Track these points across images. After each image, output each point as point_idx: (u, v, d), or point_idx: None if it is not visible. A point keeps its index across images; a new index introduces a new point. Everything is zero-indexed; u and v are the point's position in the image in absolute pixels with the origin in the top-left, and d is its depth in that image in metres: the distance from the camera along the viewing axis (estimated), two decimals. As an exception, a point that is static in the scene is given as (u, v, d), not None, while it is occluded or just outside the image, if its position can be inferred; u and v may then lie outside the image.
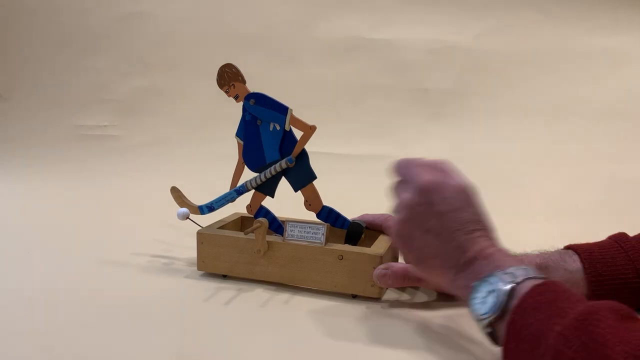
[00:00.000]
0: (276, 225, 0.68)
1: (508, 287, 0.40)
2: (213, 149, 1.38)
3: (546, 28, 1.46)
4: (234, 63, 0.65)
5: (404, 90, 1.53)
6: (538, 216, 1.05)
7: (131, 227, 0.96)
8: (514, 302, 0.39)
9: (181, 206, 0.71)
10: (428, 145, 1.44)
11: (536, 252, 0.61)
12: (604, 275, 0.56)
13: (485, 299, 0.41)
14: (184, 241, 0.79)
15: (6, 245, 0.84)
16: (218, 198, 0.69)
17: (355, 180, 1.22)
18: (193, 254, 0.68)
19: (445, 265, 0.47)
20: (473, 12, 1.51)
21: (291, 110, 0.62)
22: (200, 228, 0.68)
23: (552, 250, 0.61)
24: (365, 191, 1.22)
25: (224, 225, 0.70)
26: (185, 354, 0.49)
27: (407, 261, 0.53)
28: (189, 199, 0.72)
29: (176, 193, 0.72)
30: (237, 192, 0.68)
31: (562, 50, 1.45)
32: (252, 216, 0.69)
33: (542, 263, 0.59)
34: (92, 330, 0.53)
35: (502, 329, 0.40)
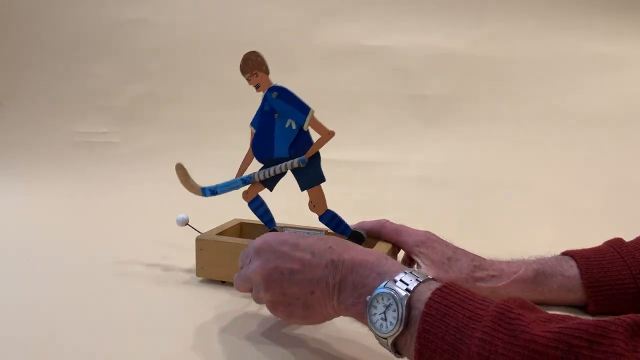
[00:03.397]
0: (268, 219, 0.68)
1: (405, 295, 0.38)
2: (212, 155, 1.38)
3: (543, 35, 1.47)
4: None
5: (402, 96, 1.54)
6: (536, 221, 1.05)
7: (130, 233, 0.96)
8: (419, 310, 0.37)
9: (183, 184, 0.70)
10: (425, 152, 1.45)
11: (533, 258, 0.61)
12: (601, 280, 0.57)
13: (384, 315, 0.39)
14: (183, 247, 0.79)
15: (5, 252, 0.84)
16: (223, 183, 0.68)
17: (353, 187, 1.23)
18: (192, 260, 0.68)
19: (325, 292, 0.44)
20: (470, 19, 1.52)
21: (313, 111, 0.61)
22: (199, 234, 0.68)
23: (549, 256, 0.62)
24: (363, 197, 1.23)
25: (222, 232, 0.71)
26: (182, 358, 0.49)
27: (291, 321, 0.50)
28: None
29: (181, 170, 0.70)
30: (242, 181, 0.67)
31: (559, 57, 1.46)
32: (247, 202, 0.68)
33: (539, 268, 0.59)
34: (90, 337, 0.53)
35: (407, 340, 0.38)
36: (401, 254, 0.67)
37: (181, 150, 1.62)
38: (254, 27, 1.66)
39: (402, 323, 0.37)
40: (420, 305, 0.37)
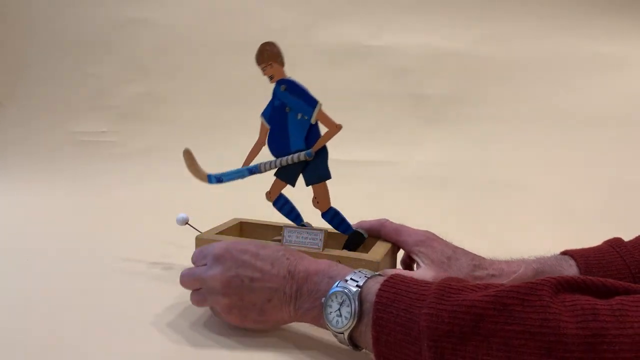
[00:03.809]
0: (294, 216, 0.67)
1: (355, 291, 0.42)
2: (212, 155, 1.38)
3: (543, 34, 1.48)
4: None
5: (402, 96, 1.54)
6: (536, 221, 1.05)
7: (130, 232, 0.96)
8: (370, 302, 0.41)
9: (190, 170, 0.69)
10: (425, 151, 1.45)
11: (533, 257, 0.61)
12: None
13: (339, 311, 0.43)
14: (182, 246, 0.79)
15: (4, 252, 0.84)
16: (229, 172, 0.68)
17: (352, 186, 1.23)
18: (191, 259, 0.68)
19: (283, 300, 0.48)
20: (470, 19, 1.52)
21: (320, 104, 0.61)
22: (199, 233, 0.68)
23: (549, 255, 0.62)
24: (363, 197, 1.23)
25: (222, 231, 0.71)
26: (183, 358, 0.49)
27: (243, 324, 0.51)
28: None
29: (188, 156, 0.70)
30: (249, 170, 0.67)
31: (559, 56, 1.46)
32: (271, 203, 0.68)
33: (539, 268, 0.59)
34: (89, 336, 0.53)
35: (362, 332, 0.42)
36: (401, 254, 0.67)
37: (180, 150, 1.61)
38: (253, 26, 1.66)
39: (356, 315, 0.41)
40: (371, 298, 0.42)
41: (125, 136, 1.74)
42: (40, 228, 1.01)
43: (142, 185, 1.42)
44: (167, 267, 0.75)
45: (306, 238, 0.63)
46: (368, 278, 0.44)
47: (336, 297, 0.43)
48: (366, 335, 0.41)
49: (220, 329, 0.55)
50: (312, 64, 1.58)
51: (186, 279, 0.54)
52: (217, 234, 0.69)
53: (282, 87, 0.62)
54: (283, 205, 0.67)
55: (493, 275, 0.59)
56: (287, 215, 0.68)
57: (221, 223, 0.74)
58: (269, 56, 0.62)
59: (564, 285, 0.35)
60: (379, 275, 0.44)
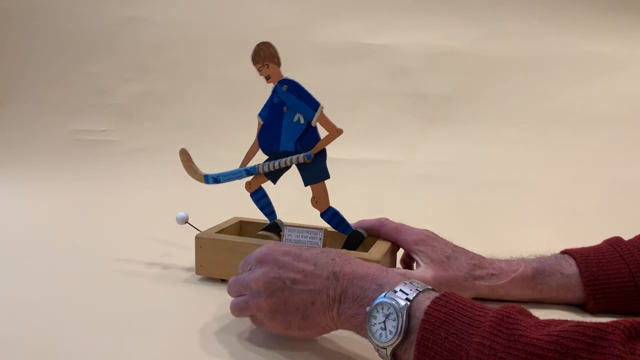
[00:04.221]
0: (269, 211, 0.69)
1: (404, 305, 0.38)
2: (212, 153, 1.38)
3: (543, 33, 1.47)
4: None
5: (402, 95, 1.54)
6: (536, 220, 1.05)
7: (129, 231, 0.96)
8: (418, 319, 0.37)
9: (187, 170, 0.70)
10: (425, 151, 1.45)
11: (532, 257, 0.61)
12: (600, 279, 0.57)
13: (384, 324, 0.39)
14: (182, 245, 0.79)
15: (4, 250, 0.84)
16: (226, 172, 0.68)
17: (353, 185, 1.23)
18: (191, 258, 0.68)
19: (326, 303, 0.45)
20: (470, 17, 1.52)
21: (322, 107, 0.61)
22: (198, 232, 0.68)
23: (549, 254, 0.62)
24: (363, 196, 1.23)
25: (222, 230, 0.71)
26: (182, 358, 0.49)
27: (288, 332, 0.48)
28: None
29: (185, 156, 0.70)
30: (246, 171, 0.67)
31: (559, 55, 1.46)
32: (249, 193, 0.69)
33: (539, 267, 0.59)
34: (89, 335, 0.53)
35: (407, 349, 0.38)
36: (400, 252, 0.68)
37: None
38: (253, 25, 1.66)
39: (402, 332, 0.38)
40: (419, 314, 0.38)
41: (125, 135, 1.73)
42: (39, 227, 1.01)
43: (142, 184, 1.42)
44: (167, 266, 0.75)
45: (306, 237, 0.64)
46: (420, 292, 0.40)
47: (382, 309, 0.39)
48: (410, 355, 0.38)
49: (221, 329, 0.55)
50: (312, 63, 1.58)
51: (233, 286, 0.51)
52: (217, 232, 0.69)
53: (284, 87, 0.62)
54: (260, 198, 0.68)
55: (493, 275, 0.59)
56: (262, 209, 0.69)
57: (221, 222, 0.74)
58: (265, 56, 0.62)
59: (638, 331, 0.30)
60: (432, 290, 0.41)
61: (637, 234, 0.60)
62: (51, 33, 1.86)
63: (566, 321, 0.33)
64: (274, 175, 0.66)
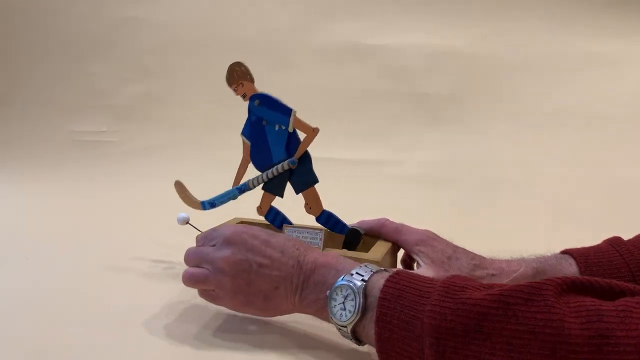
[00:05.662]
0: (287, 223, 0.68)
1: (360, 285, 0.42)
2: (211, 154, 1.38)
3: (544, 33, 1.48)
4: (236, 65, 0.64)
5: (402, 95, 1.54)
6: (536, 221, 1.05)
7: (130, 232, 0.96)
8: (375, 297, 0.41)
9: (183, 200, 0.71)
10: (425, 151, 1.45)
11: (533, 257, 0.61)
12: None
13: (343, 304, 0.43)
14: (183, 246, 0.78)
15: (4, 250, 0.84)
16: (220, 195, 0.69)
17: (353, 185, 1.23)
18: (192, 259, 0.68)
19: (289, 289, 0.48)
20: (471, 17, 1.52)
21: (295, 112, 0.62)
22: (199, 233, 0.68)
23: (549, 254, 0.62)
24: (363, 196, 1.23)
25: (222, 230, 0.71)
26: (182, 358, 0.49)
27: (246, 310, 0.52)
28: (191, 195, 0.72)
29: (180, 187, 0.71)
30: (239, 190, 0.68)
31: (560, 55, 1.46)
32: (263, 217, 0.69)
33: (539, 267, 0.59)
34: (89, 335, 0.53)
35: (365, 326, 0.42)
36: (401, 253, 0.68)
37: (180, 149, 1.62)
38: (253, 25, 1.66)
39: (360, 310, 0.42)
40: (375, 293, 0.42)
41: (125, 136, 1.74)
42: (39, 226, 1.01)
43: (142, 184, 1.42)
44: (168, 266, 0.75)
45: (306, 237, 0.64)
46: (374, 273, 0.44)
47: (341, 291, 0.43)
48: (369, 330, 0.41)
49: (221, 329, 0.55)
50: (311, 63, 1.58)
51: (191, 256, 0.53)
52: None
53: (256, 102, 0.64)
54: (274, 217, 0.69)
55: (493, 275, 0.59)
56: (279, 227, 0.69)
57: (222, 223, 0.74)
58: (239, 76, 0.64)
59: (569, 286, 0.35)
60: (385, 270, 0.45)
61: (637, 233, 0.60)
62: (51, 33, 1.86)
63: (506, 284, 0.37)
64: (276, 189, 0.67)
